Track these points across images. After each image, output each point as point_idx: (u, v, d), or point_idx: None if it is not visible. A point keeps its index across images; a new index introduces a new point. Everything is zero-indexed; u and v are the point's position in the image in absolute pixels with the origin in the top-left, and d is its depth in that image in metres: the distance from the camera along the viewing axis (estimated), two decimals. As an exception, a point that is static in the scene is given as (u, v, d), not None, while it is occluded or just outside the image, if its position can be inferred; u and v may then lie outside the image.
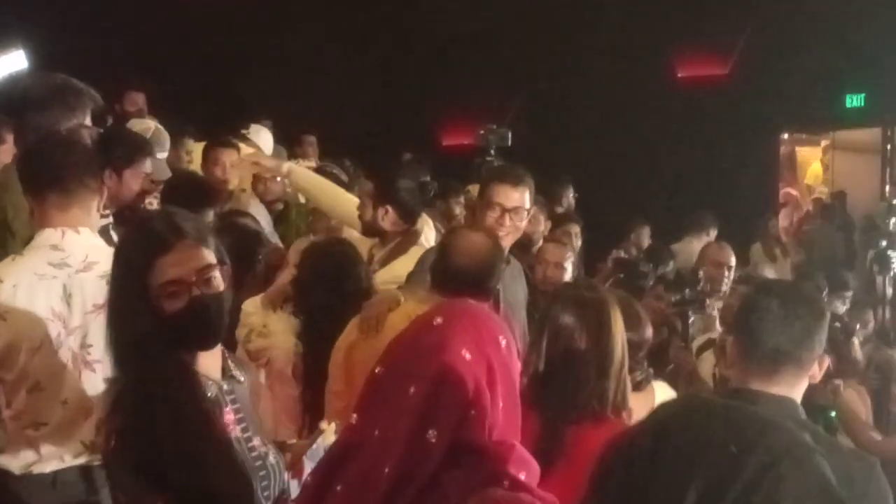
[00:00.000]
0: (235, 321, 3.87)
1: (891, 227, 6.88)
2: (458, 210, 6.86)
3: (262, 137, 7.76)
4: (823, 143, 16.97)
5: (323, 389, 3.67)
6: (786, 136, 15.89)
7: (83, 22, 11.60)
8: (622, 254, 8.18)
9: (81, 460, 3.05)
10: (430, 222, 5.01)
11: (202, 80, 12.36)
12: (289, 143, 9.63)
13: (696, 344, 4.93)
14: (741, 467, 1.14)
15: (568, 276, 5.26)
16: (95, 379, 2.95)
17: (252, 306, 4.05)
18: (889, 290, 6.39)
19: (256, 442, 2.34)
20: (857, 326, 5.63)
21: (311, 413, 3.82)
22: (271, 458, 2.35)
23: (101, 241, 3.17)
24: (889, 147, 15.12)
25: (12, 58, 7.69)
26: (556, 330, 2.80)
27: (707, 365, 4.71)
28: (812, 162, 17.33)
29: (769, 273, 7.88)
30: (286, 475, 2.40)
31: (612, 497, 1.20)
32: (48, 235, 3.09)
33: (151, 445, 2.10)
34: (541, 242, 5.78)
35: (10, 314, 2.96)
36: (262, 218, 5.75)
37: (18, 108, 3.68)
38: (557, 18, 13.08)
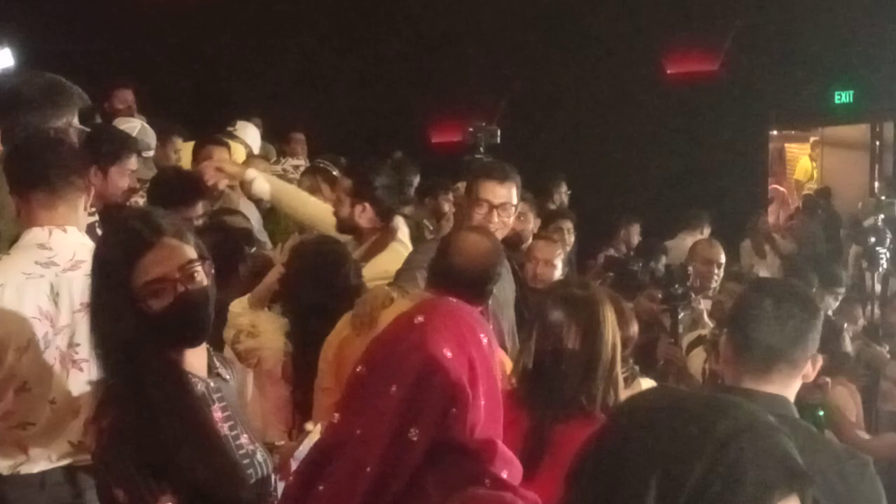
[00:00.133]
0: (222, 321, 3.84)
1: (879, 224, 6.91)
2: (448, 207, 6.85)
3: (250, 134, 7.75)
4: (812, 139, 17.02)
5: (313, 390, 3.65)
6: (775, 132, 15.92)
7: (71, 20, 11.56)
8: (612, 252, 8.19)
9: (68, 461, 3.04)
10: (402, 220, 4.98)
11: (191, 79, 12.35)
12: (277, 141, 9.64)
13: (685, 341, 4.93)
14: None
15: (558, 273, 5.24)
16: (83, 378, 2.94)
17: (240, 307, 4.00)
18: (878, 287, 6.41)
19: (244, 440, 2.34)
20: (846, 324, 5.64)
21: (301, 414, 3.77)
22: (258, 457, 2.35)
23: (88, 240, 3.15)
24: (878, 143, 15.18)
25: (-1, 56, 7.67)
26: (546, 327, 2.79)
27: (697, 361, 4.71)
28: (801, 158, 17.38)
29: (761, 270, 7.89)
30: (274, 476, 2.40)
31: (583, 493, 1.20)
32: (35, 234, 3.08)
33: (152, 441, 2.09)
34: (530, 240, 5.76)
35: (-3, 314, 2.95)
36: (252, 216, 5.74)
37: (6, 107, 3.66)
38: (546, 16, 13.08)
